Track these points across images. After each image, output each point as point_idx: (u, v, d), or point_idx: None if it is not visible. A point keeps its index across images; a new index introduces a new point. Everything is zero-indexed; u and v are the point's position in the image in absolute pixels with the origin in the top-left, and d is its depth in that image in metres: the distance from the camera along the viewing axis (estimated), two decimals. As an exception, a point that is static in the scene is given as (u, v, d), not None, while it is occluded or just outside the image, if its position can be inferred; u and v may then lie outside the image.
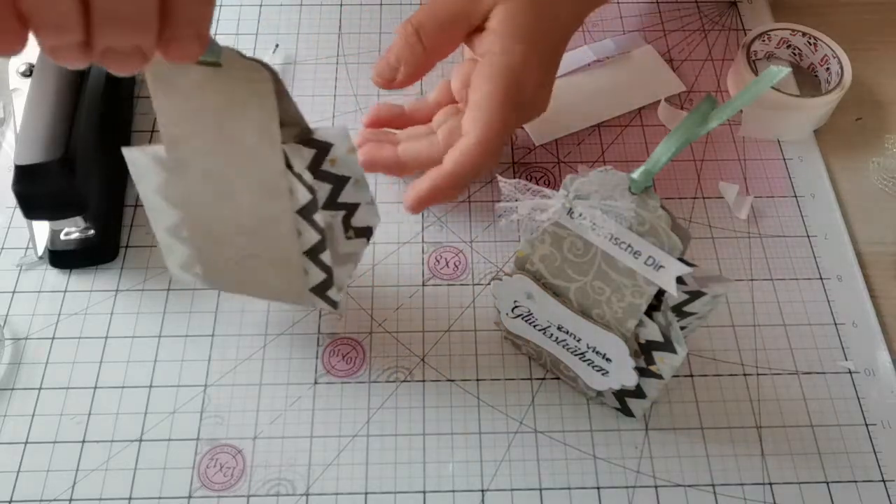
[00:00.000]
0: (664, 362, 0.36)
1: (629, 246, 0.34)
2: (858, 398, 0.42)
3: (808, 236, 0.48)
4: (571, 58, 0.55)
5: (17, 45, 0.24)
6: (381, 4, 0.59)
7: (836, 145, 0.52)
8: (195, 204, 0.37)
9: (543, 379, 0.42)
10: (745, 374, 0.43)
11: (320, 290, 0.39)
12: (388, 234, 0.47)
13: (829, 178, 0.50)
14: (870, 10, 0.59)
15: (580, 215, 0.34)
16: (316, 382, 0.42)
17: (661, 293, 0.34)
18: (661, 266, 0.33)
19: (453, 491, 0.39)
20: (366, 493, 0.39)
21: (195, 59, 0.28)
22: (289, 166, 0.34)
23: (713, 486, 0.39)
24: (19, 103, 0.48)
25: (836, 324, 0.45)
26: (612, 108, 0.52)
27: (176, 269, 0.41)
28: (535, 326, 0.40)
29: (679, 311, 0.37)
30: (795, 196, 0.50)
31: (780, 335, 0.44)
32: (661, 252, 0.33)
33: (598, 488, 0.39)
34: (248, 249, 0.38)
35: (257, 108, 0.32)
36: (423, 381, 0.42)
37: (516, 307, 0.39)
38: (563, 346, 0.39)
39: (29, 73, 0.49)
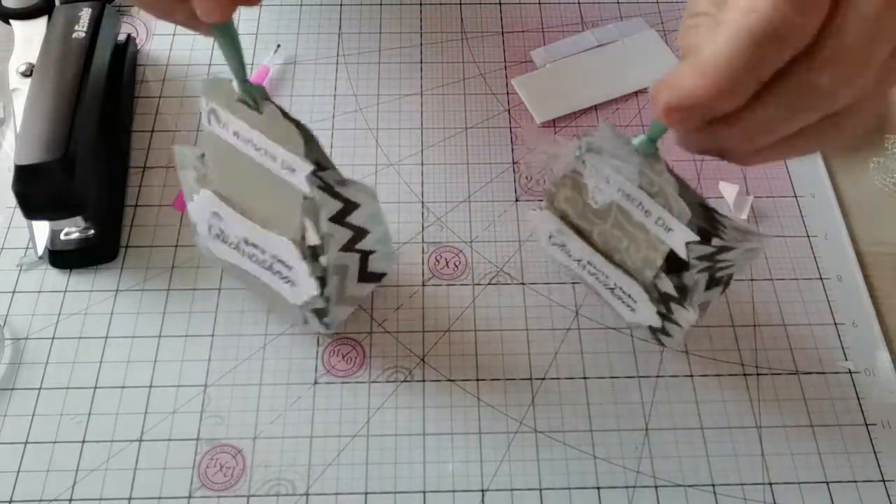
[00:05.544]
0: (679, 315, 0.37)
1: (640, 203, 0.34)
2: (858, 398, 0.42)
3: (808, 236, 0.48)
4: (574, 42, 0.55)
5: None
6: (381, 4, 0.59)
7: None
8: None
9: (543, 379, 0.42)
10: (745, 374, 0.43)
11: (318, 314, 0.40)
12: (388, 234, 0.47)
13: (829, 178, 0.50)
14: (870, 10, 0.59)
15: (593, 167, 0.34)
16: (316, 382, 0.42)
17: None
18: (669, 228, 0.33)
19: (453, 491, 0.39)
20: (366, 493, 0.39)
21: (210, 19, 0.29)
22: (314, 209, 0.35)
23: (713, 486, 0.39)
24: (19, 103, 0.49)
25: (836, 324, 0.45)
26: (613, 88, 0.52)
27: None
28: (570, 256, 0.41)
29: (711, 258, 0.35)
30: (795, 196, 0.50)
31: (780, 335, 0.44)
32: (669, 215, 0.33)
33: (598, 488, 0.39)
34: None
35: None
36: (423, 381, 0.42)
37: (552, 238, 0.41)
38: (596, 279, 0.41)
39: (29, 73, 0.49)
